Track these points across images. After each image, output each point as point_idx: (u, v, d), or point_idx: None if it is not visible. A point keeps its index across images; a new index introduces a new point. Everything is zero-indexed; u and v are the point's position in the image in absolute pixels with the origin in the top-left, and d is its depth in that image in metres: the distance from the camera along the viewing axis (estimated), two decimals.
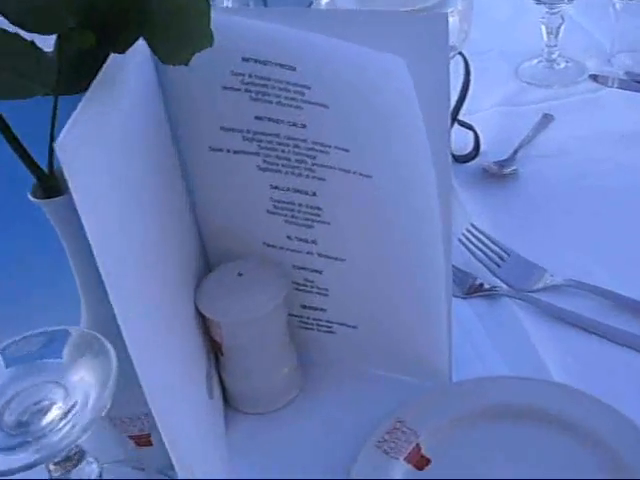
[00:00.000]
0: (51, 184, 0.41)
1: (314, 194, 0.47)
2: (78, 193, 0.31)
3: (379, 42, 0.37)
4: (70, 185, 0.31)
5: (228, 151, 0.48)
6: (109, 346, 0.33)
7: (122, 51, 0.36)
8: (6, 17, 0.34)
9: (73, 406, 0.31)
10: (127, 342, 0.34)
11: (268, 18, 0.40)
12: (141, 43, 0.36)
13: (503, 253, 0.65)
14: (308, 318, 0.55)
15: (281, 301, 0.51)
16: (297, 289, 0.54)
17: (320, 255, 0.51)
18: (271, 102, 0.44)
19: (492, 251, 0.66)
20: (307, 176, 0.46)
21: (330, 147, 0.44)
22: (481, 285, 0.63)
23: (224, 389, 0.54)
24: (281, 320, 0.52)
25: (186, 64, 0.33)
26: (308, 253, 0.51)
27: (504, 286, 0.63)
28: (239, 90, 0.44)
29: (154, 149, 0.46)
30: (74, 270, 0.43)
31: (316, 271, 0.52)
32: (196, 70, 0.43)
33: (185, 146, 0.49)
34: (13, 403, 0.32)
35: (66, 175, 0.31)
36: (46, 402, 0.32)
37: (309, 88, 0.41)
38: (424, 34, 0.37)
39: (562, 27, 0.93)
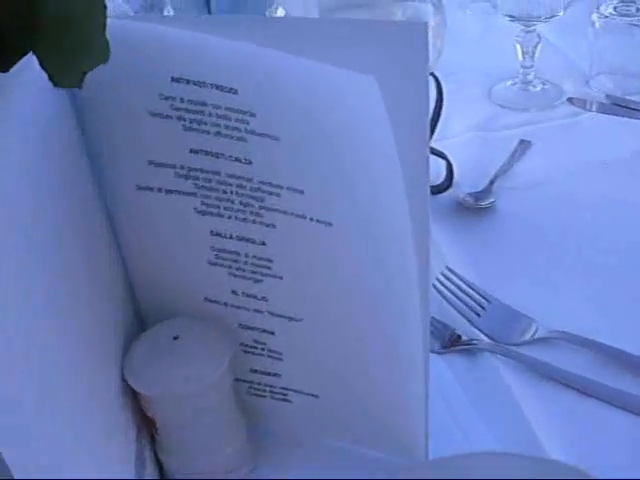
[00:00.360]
0: None
1: (263, 243, 0.39)
2: None
3: (343, 57, 0.29)
4: None
5: (159, 190, 0.40)
6: None
7: (5, 68, 0.27)
8: None
9: None
10: None
11: (203, 28, 0.32)
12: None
13: (483, 300, 0.58)
14: (259, 384, 0.47)
15: (225, 368, 0.42)
16: (245, 351, 0.45)
17: (272, 314, 0.42)
18: (209, 132, 0.35)
19: (471, 298, 0.58)
20: (254, 222, 0.38)
21: (281, 188, 0.35)
22: (459, 337, 0.56)
23: (162, 473, 0.45)
24: (225, 390, 0.43)
25: (78, 86, 0.24)
26: (257, 311, 0.43)
27: (485, 339, 0.56)
28: (170, 117, 0.36)
29: (65, 189, 0.37)
30: None
31: (267, 332, 0.44)
32: (117, 93, 0.35)
33: (108, 184, 0.40)
34: None
35: None
36: None
37: (254, 115, 0.33)
38: (399, 47, 0.29)
39: (538, 46, 0.86)
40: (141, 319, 0.46)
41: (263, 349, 0.45)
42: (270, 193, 0.36)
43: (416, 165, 0.32)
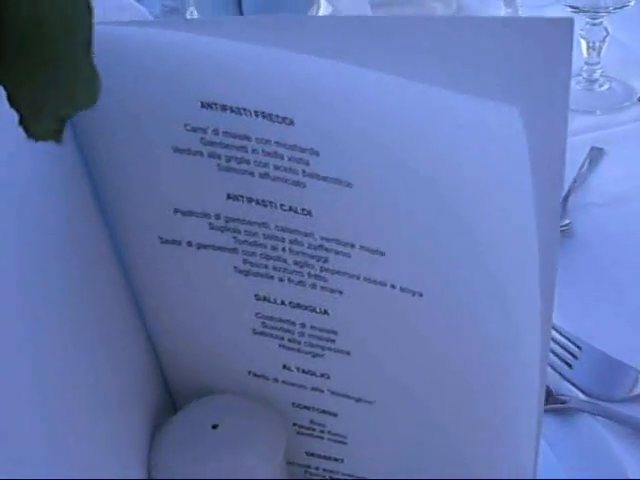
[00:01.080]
0: None
1: (325, 312, 0.30)
2: None
3: (454, 72, 0.20)
4: None
5: (189, 244, 0.31)
6: None
7: None
8: None
9: None
10: None
11: (245, 35, 0.23)
12: None
13: (574, 347, 0.48)
14: (317, 468, 0.38)
15: (278, 462, 0.33)
16: (300, 432, 0.36)
17: (334, 393, 0.33)
18: (252, 174, 0.27)
19: (559, 344, 0.48)
20: (314, 286, 0.29)
21: (352, 246, 0.26)
22: (549, 393, 0.46)
23: None
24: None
25: (55, 139, 0.15)
26: (316, 389, 0.34)
27: (580, 394, 0.46)
28: (200, 154, 0.27)
29: (71, 247, 0.28)
30: None
31: (328, 413, 0.35)
32: (130, 123, 0.27)
33: (124, 238, 0.32)
34: None
35: None
36: None
37: (316, 154, 0.24)
38: (541, 57, 0.20)
39: (606, 41, 0.77)
40: (170, 395, 0.38)
41: (322, 431, 0.36)
42: (337, 252, 0.27)
43: (547, 216, 0.23)
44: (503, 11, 0.49)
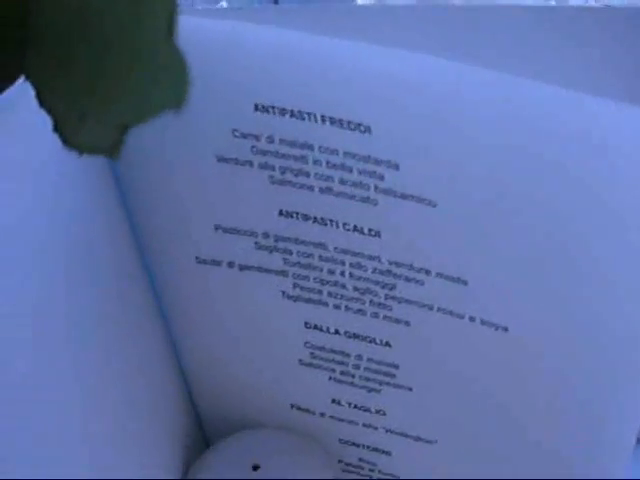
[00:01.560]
0: None
1: (387, 344, 0.26)
2: None
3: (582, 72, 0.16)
4: None
5: (230, 265, 0.27)
6: None
7: None
8: None
9: None
10: None
11: (310, 23, 0.19)
12: None
13: None
14: None
15: None
16: (346, 470, 0.33)
17: (390, 432, 0.30)
18: (311, 188, 0.23)
19: None
20: (375, 315, 0.25)
21: (427, 273, 0.23)
22: None
23: None
24: None
25: (113, 155, 0.12)
26: (368, 426, 0.30)
27: None
28: (249, 164, 0.24)
29: (99, 267, 0.25)
30: None
31: (381, 451, 0.31)
32: (166, 127, 0.23)
33: (157, 257, 0.28)
34: None
35: None
36: None
37: (396, 168, 0.21)
38: None
39: None
40: (202, 429, 0.34)
41: (372, 470, 0.32)
42: (407, 279, 0.23)
43: None
44: None
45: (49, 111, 0.13)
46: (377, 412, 0.30)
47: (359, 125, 0.20)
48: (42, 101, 0.14)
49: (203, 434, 0.36)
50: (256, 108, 0.22)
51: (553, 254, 0.21)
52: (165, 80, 0.10)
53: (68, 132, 0.12)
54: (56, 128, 0.13)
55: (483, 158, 0.19)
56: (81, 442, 0.24)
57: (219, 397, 0.33)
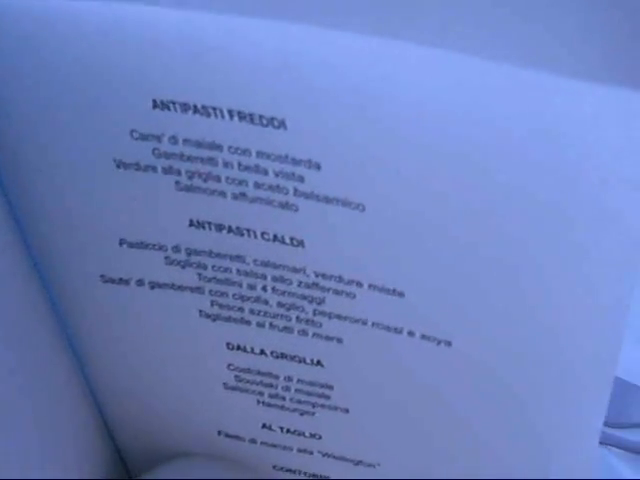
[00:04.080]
0: None
1: (318, 363, 0.24)
2: None
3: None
4: None
5: (139, 283, 0.24)
6: None
7: None
8: None
9: None
10: None
11: (217, 2, 0.16)
12: None
13: None
14: None
15: None
16: None
17: (327, 455, 0.27)
18: (224, 194, 0.20)
19: None
20: (304, 333, 0.23)
21: (360, 285, 0.20)
22: None
23: None
24: None
25: None
26: (303, 451, 0.28)
27: None
28: (152, 170, 0.21)
29: None
30: None
31: (318, 476, 0.28)
32: (56, 128, 0.20)
33: (59, 278, 0.25)
34: None
35: None
36: None
37: (317, 167, 0.18)
38: None
39: None
40: (123, 462, 0.31)
41: None
42: (337, 292, 0.21)
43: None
44: None
45: None
46: (312, 436, 0.27)
47: (272, 120, 0.17)
48: None
49: (125, 467, 0.32)
50: (155, 105, 0.19)
51: (494, 261, 0.18)
52: None
53: None
54: None
55: (418, 154, 0.17)
56: None
57: (140, 428, 0.30)
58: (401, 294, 0.20)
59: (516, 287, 0.19)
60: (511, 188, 0.17)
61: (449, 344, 0.21)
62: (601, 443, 0.40)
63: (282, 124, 0.17)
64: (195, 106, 0.18)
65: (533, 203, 0.17)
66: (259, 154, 0.19)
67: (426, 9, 0.15)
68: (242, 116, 0.18)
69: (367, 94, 0.16)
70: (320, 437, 0.27)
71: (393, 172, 0.17)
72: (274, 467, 0.29)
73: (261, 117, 0.18)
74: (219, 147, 0.19)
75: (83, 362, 0.28)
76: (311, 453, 0.28)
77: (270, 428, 0.27)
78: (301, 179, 0.19)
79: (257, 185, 0.19)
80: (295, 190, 0.19)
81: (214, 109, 0.18)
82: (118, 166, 0.21)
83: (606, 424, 0.40)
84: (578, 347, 0.20)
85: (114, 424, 0.30)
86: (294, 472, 0.29)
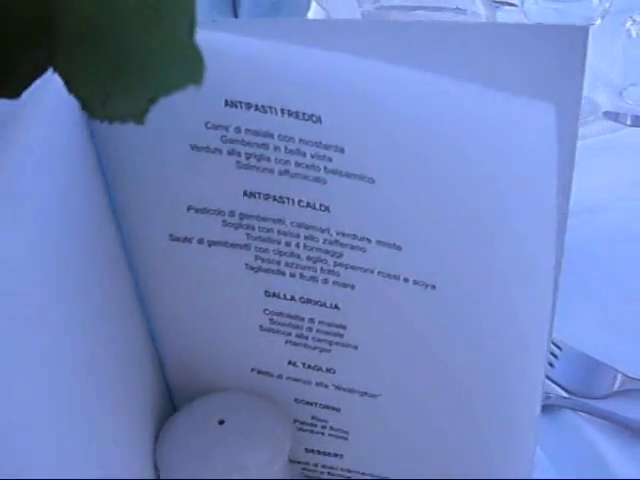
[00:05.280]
0: None
1: (335, 307, 0.31)
2: None
3: (479, 71, 0.21)
4: None
5: (200, 242, 0.31)
6: None
7: (14, 94, 0.19)
8: None
9: None
10: None
11: (271, 34, 0.24)
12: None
13: (554, 348, 0.50)
14: (316, 465, 0.39)
15: (285, 460, 0.34)
16: (301, 429, 0.37)
17: (339, 388, 0.34)
18: (272, 171, 0.27)
19: None
20: (325, 281, 0.30)
21: (369, 241, 0.27)
22: None
23: None
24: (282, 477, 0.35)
25: (140, 122, 0.16)
26: (320, 385, 0.35)
27: (561, 392, 0.48)
28: (219, 152, 0.28)
29: (87, 243, 0.29)
30: None
31: (330, 408, 0.36)
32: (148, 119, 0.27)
33: (134, 235, 0.32)
34: None
35: None
36: None
37: (341, 151, 0.25)
38: (552, 59, 0.21)
39: None
40: (169, 395, 0.38)
41: (324, 427, 0.37)
42: (352, 247, 0.28)
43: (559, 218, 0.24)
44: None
45: (77, 95, 0.18)
46: (327, 370, 0.34)
47: (312, 116, 0.25)
48: (70, 88, 0.18)
49: (172, 402, 0.39)
50: (226, 103, 0.27)
51: (471, 222, 0.26)
52: (186, 65, 0.14)
53: (94, 109, 0.17)
54: (83, 107, 0.17)
55: (411, 143, 0.24)
56: (57, 409, 0.27)
57: (187, 365, 0.37)
58: (399, 247, 0.27)
59: (472, 247, 0.26)
60: (462, 170, 0.24)
61: (434, 287, 0.28)
62: (572, 409, 0.47)
63: (319, 119, 0.25)
64: (256, 105, 0.26)
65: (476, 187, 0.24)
66: (300, 141, 0.26)
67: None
68: (290, 113, 0.25)
69: (374, 103, 0.23)
70: (334, 371, 0.34)
71: (394, 156, 0.25)
72: (295, 400, 0.36)
73: (304, 114, 0.25)
74: (271, 135, 0.27)
75: (148, 307, 0.35)
76: (326, 387, 0.35)
77: (295, 364, 0.35)
78: (330, 160, 0.26)
79: (297, 164, 0.27)
80: (325, 168, 0.26)
81: (270, 107, 0.26)
82: (192, 148, 0.29)
83: (577, 395, 0.47)
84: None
85: (168, 363, 0.37)
86: (311, 404, 0.36)
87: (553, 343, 0.50)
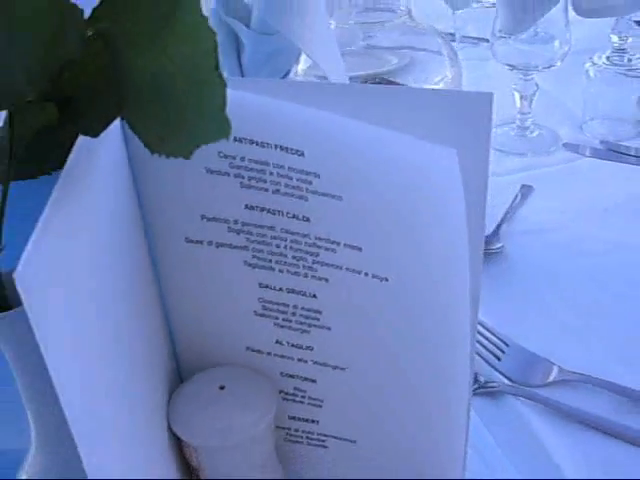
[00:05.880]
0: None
1: (313, 296, 0.40)
2: (40, 330, 0.24)
3: (419, 126, 0.30)
4: (31, 319, 0.23)
5: (209, 244, 0.41)
6: None
7: (95, 134, 0.29)
8: None
9: None
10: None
11: (268, 91, 0.33)
12: None
13: (502, 344, 0.59)
14: (297, 430, 0.48)
15: (269, 417, 0.43)
16: (285, 399, 0.46)
17: (315, 363, 0.43)
18: (267, 190, 0.37)
19: (490, 342, 0.59)
20: (306, 275, 0.39)
21: (338, 244, 0.37)
22: (481, 381, 0.57)
23: None
24: (269, 441, 0.44)
25: (187, 157, 0.25)
26: (301, 360, 0.44)
27: (506, 381, 0.57)
28: (227, 175, 0.37)
29: (126, 247, 0.38)
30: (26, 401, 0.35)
31: (309, 380, 0.44)
32: None
33: (157, 236, 0.41)
34: None
35: (27, 307, 0.23)
36: None
37: (318, 177, 0.35)
38: (466, 117, 0.31)
39: (536, 94, 0.89)
40: (178, 368, 0.47)
41: (303, 397, 0.46)
42: (326, 249, 0.37)
43: (474, 232, 0.33)
44: (448, 69, 0.60)
45: (140, 136, 0.27)
46: (307, 348, 0.43)
47: (297, 151, 0.34)
48: (134, 130, 0.27)
49: (180, 375, 0.48)
50: (235, 139, 0.36)
51: (406, 233, 0.35)
52: (220, 124, 0.23)
53: (152, 146, 0.26)
54: (145, 144, 0.26)
55: (363, 172, 0.34)
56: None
57: (194, 344, 0.46)
58: (360, 249, 0.36)
59: (411, 250, 0.35)
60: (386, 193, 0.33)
61: (387, 280, 0.37)
62: (515, 395, 0.56)
63: (302, 154, 0.34)
64: (257, 141, 0.35)
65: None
66: (289, 168, 0.35)
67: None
68: (282, 148, 0.35)
69: (340, 144, 0.33)
70: (312, 349, 0.43)
71: (354, 181, 0.34)
72: (281, 373, 0.45)
73: (291, 149, 0.34)
74: (267, 164, 0.36)
75: (165, 296, 0.44)
76: (306, 362, 0.44)
77: (281, 343, 0.44)
78: (310, 183, 0.35)
79: (286, 185, 0.36)
80: (306, 189, 0.36)
81: (267, 143, 0.35)
82: (207, 172, 0.38)
83: (519, 383, 0.56)
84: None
85: (178, 342, 0.46)
86: (293, 377, 0.45)
87: (501, 340, 0.60)
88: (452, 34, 1.18)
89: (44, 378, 0.27)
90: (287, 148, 0.34)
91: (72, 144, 0.29)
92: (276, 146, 0.35)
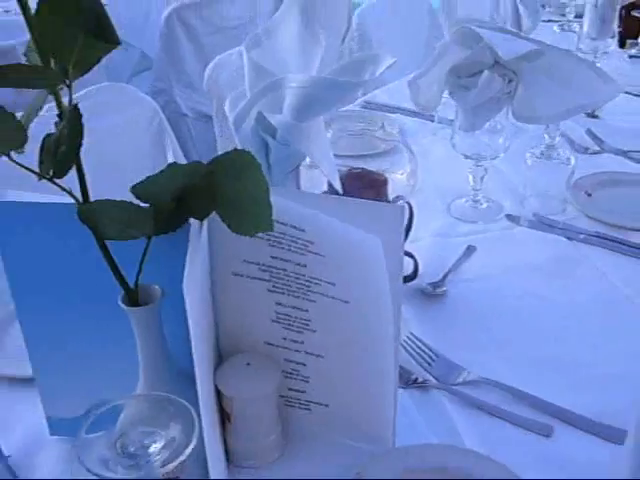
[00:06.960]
0: (134, 296, 0.62)
1: (307, 311, 0.68)
2: (193, 315, 0.53)
3: (359, 222, 0.60)
4: (188, 309, 0.52)
5: (247, 277, 0.69)
6: (188, 405, 0.53)
7: (201, 219, 0.58)
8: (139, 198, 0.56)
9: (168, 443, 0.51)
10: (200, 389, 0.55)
11: (286, 196, 0.62)
12: None
13: (433, 355, 0.87)
14: (292, 398, 0.75)
15: (277, 384, 0.71)
16: (286, 376, 0.74)
17: (306, 353, 0.71)
18: (283, 248, 0.65)
19: (425, 353, 0.87)
20: (303, 298, 0.68)
21: (322, 281, 0.65)
22: (416, 379, 0.84)
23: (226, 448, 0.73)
24: (275, 398, 0.72)
25: (251, 236, 0.54)
26: (296, 351, 0.72)
27: (434, 380, 0.84)
28: (261, 238, 0.66)
29: (206, 278, 0.67)
30: (142, 360, 0.63)
31: (301, 364, 0.73)
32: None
33: (215, 271, 0.70)
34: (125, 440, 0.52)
35: (188, 307, 0.52)
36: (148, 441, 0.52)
37: (312, 243, 0.63)
38: (389, 218, 0.60)
39: (485, 176, 1.17)
40: (219, 353, 0.75)
41: (297, 375, 0.74)
42: (315, 283, 0.66)
43: (395, 281, 0.62)
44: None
45: (223, 219, 0.56)
46: (301, 343, 0.71)
47: (301, 228, 0.63)
48: (224, 221, 0.56)
49: (221, 357, 0.76)
50: None
51: (356, 277, 0.64)
52: (268, 224, 0.52)
53: (232, 228, 0.55)
54: (232, 230, 0.56)
55: (334, 242, 0.63)
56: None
57: (230, 338, 0.75)
58: (334, 284, 0.65)
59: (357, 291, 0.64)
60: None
61: (349, 302, 0.66)
62: (439, 390, 0.83)
63: (303, 230, 0.63)
64: (280, 221, 0.64)
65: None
66: (296, 237, 0.64)
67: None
68: (293, 226, 0.64)
69: (326, 227, 0.62)
70: (303, 342, 0.71)
71: (330, 247, 0.63)
72: (284, 359, 0.74)
73: (299, 227, 0.63)
74: (285, 233, 0.65)
75: (215, 309, 0.73)
76: (299, 352, 0.72)
77: (285, 339, 0.72)
78: (306, 246, 0.64)
79: (294, 246, 0.65)
80: (305, 247, 0.64)
81: (285, 223, 0.64)
82: (250, 237, 0.67)
83: (442, 382, 0.84)
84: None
85: (221, 338, 0.74)
86: (291, 362, 0.74)
87: (433, 352, 0.87)
88: (432, 115, 1.48)
89: (158, 353, 0.56)
90: (295, 226, 0.63)
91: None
92: (290, 225, 0.63)
